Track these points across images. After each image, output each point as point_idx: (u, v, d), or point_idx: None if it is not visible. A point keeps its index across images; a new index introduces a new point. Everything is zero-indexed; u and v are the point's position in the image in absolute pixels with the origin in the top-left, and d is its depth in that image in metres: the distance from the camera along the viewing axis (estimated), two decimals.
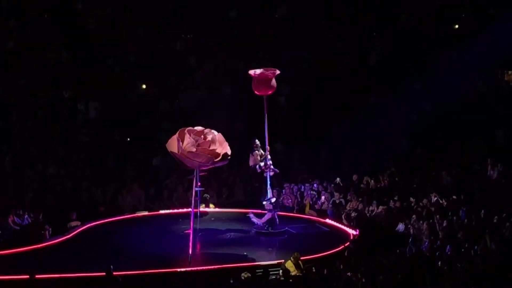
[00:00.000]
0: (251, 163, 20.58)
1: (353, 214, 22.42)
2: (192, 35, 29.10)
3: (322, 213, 23.29)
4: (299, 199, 24.58)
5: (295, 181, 25.47)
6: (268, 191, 20.82)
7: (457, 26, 29.42)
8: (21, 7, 27.51)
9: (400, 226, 20.85)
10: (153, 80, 28.63)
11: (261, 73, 19.99)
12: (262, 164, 20.36)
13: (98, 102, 27.20)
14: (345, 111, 27.09)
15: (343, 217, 22.44)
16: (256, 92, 20.28)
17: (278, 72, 20.04)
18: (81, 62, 27.63)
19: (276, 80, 20.12)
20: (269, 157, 20.49)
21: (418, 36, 28.19)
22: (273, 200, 20.85)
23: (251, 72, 20.10)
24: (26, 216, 21.61)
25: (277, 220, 20.79)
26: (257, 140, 20.47)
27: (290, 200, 24.47)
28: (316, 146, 26.91)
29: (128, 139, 27.23)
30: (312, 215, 23.10)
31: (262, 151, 20.46)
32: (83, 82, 27.41)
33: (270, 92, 20.29)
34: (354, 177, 25.28)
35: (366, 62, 28.87)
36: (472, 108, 26.61)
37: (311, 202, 24.02)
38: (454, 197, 21.99)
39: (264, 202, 20.77)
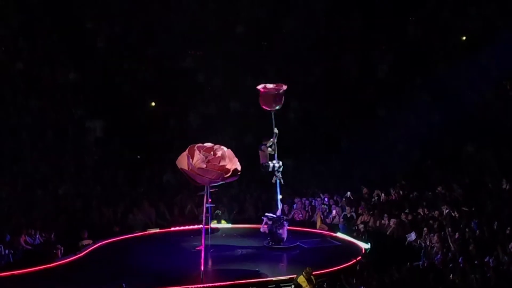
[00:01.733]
0: (262, 160, 20.55)
1: (363, 228, 22.39)
2: (200, 52, 29.13)
3: (333, 227, 23.26)
4: (310, 213, 24.57)
5: (306, 196, 25.47)
6: (279, 204, 20.88)
7: (464, 38, 29.36)
8: (30, 27, 27.55)
9: (412, 235, 20.83)
10: (162, 97, 28.71)
11: (269, 88, 20.06)
12: (275, 162, 20.38)
13: (107, 121, 27.25)
14: (354, 124, 27.09)
15: (354, 231, 22.43)
16: (264, 107, 20.34)
17: (285, 87, 20.10)
18: (90, 81, 27.70)
19: (284, 94, 20.19)
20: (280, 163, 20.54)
21: (426, 48, 28.15)
22: (278, 213, 20.96)
23: (259, 87, 20.17)
24: (37, 235, 21.66)
25: (286, 235, 20.81)
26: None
27: (301, 215, 24.47)
28: (326, 160, 26.91)
29: (138, 156, 27.29)
30: (323, 229, 23.07)
31: (270, 147, 20.45)
32: (92, 101, 27.46)
33: (277, 108, 20.35)
34: (364, 190, 25.27)
35: (374, 74, 28.84)
36: (481, 119, 26.58)
37: (322, 217, 24.00)
38: (466, 209, 21.94)
39: (264, 216, 20.95)
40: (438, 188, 24.05)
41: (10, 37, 27.66)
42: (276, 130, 20.34)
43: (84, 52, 27.71)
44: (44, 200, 24.25)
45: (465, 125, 26.32)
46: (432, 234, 20.23)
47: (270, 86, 20.16)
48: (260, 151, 20.51)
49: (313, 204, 24.91)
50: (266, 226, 20.89)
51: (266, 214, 21.26)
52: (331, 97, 28.18)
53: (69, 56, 27.68)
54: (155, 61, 28.29)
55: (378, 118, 27.50)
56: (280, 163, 20.57)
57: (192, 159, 18.22)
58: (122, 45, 28.08)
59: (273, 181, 20.77)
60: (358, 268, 18.38)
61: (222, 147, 18.81)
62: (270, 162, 20.36)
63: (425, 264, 18.65)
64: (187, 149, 18.42)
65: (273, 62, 27.85)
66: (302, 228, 23.00)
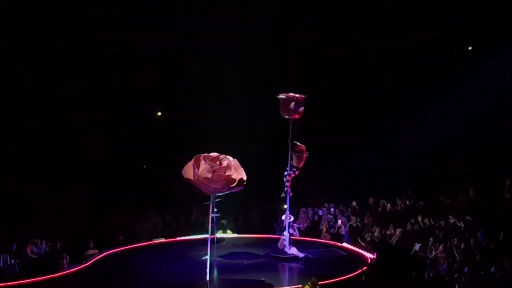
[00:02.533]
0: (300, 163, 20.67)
1: (370, 238, 22.40)
2: (206, 60, 29.07)
3: (339, 237, 23.27)
4: (316, 223, 24.62)
5: (311, 205, 25.49)
6: (286, 216, 20.92)
7: (470, 48, 29.30)
8: (36, 36, 27.46)
9: (417, 246, 20.83)
10: (168, 106, 28.74)
11: (291, 96, 20.22)
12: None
13: (113, 130, 27.27)
14: (360, 134, 27.11)
15: (360, 240, 22.44)
16: (283, 115, 20.46)
17: (305, 96, 20.31)
18: (96, 90, 27.69)
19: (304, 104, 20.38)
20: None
21: (432, 58, 28.06)
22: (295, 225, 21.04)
23: (281, 95, 20.32)
24: (43, 245, 21.72)
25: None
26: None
27: (306, 224, 24.49)
28: (332, 170, 26.90)
29: (144, 166, 27.33)
30: (325, 238, 23.10)
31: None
32: (98, 110, 27.46)
33: (297, 117, 20.49)
34: (371, 200, 25.28)
35: (380, 85, 28.81)
36: (488, 129, 26.56)
37: (327, 226, 24.02)
38: (471, 219, 21.93)
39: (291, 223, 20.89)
40: (443, 198, 24.09)
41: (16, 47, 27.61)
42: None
43: (89, 62, 27.68)
44: (50, 209, 24.31)
45: (470, 136, 26.33)
46: (437, 244, 20.23)
47: (291, 95, 20.30)
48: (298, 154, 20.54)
49: (318, 213, 24.94)
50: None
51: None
52: (337, 107, 28.15)
53: (75, 65, 27.61)
54: (161, 69, 28.23)
55: (384, 128, 27.47)
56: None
57: (198, 169, 18.25)
58: (128, 53, 28.02)
59: (283, 195, 20.79)
60: (363, 278, 18.39)
61: (228, 157, 18.84)
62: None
63: (431, 275, 18.66)
64: (193, 159, 18.45)
65: (280, 71, 27.81)
66: (305, 237, 23.08)
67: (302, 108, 20.37)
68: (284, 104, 20.30)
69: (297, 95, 20.22)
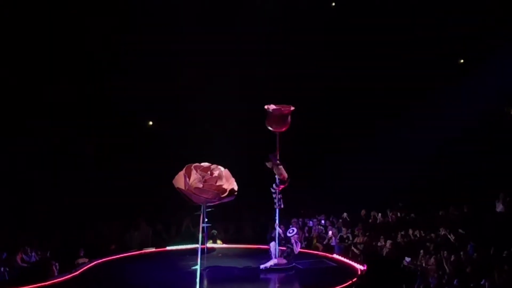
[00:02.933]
0: (283, 174, 20.27)
1: (360, 249, 22.40)
2: (198, 71, 29.05)
3: (329, 248, 23.26)
4: (307, 235, 24.58)
5: (304, 216, 25.50)
6: (276, 227, 20.80)
7: (462, 61, 29.39)
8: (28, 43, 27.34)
9: (407, 260, 20.84)
10: (160, 116, 28.76)
11: (276, 109, 19.92)
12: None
13: (104, 139, 27.27)
14: (350, 145, 27.14)
15: (350, 252, 22.44)
16: (270, 128, 20.17)
17: (293, 108, 19.97)
18: (87, 99, 27.68)
19: (291, 116, 20.13)
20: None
21: (424, 70, 28.09)
22: (295, 229, 20.79)
23: (266, 107, 20.01)
24: (33, 253, 21.69)
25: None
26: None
27: (297, 236, 24.45)
28: (324, 181, 26.93)
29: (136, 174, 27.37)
30: (318, 248, 23.08)
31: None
32: (89, 119, 27.45)
33: (284, 129, 20.21)
34: (362, 212, 25.30)
35: (371, 97, 28.80)
36: (479, 142, 26.63)
37: (317, 237, 24.02)
38: (462, 231, 21.98)
39: (291, 235, 20.64)
40: (434, 210, 24.16)
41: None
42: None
43: (82, 71, 27.66)
44: (40, 218, 24.29)
45: (462, 148, 26.40)
46: (428, 256, 20.26)
47: (277, 106, 19.98)
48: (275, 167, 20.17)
49: (308, 225, 24.93)
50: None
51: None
52: (327, 117, 28.18)
53: (66, 73, 27.54)
54: (152, 79, 28.21)
55: (374, 140, 27.53)
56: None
57: (189, 179, 18.23)
58: (120, 62, 28.00)
59: (277, 207, 20.56)
60: None
61: (219, 166, 18.82)
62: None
63: (421, 287, 18.66)
64: (184, 169, 18.43)
65: (273, 83, 27.80)
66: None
67: (288, 121, 20.02)
68: (270, 116, 20.05)
69: (284, 107, 19.90)
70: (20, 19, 26.16)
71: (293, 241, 20.10)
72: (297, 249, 20.08)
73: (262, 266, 19.75)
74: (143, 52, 27.27)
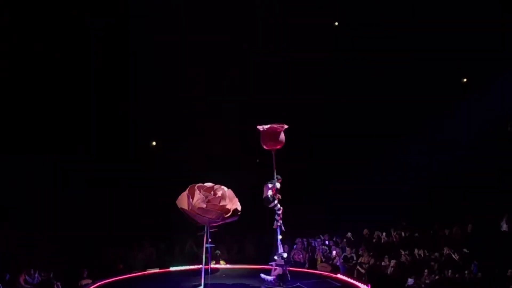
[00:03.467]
0: (265, 193, 20.19)
1: (364, 269, 22.35)
2: (200, 91, 29.09)
3: (334, 268, 23.19)
4: (311, 254, 24.52)
5: (306, 236, 25.44)
6: (279, 246, 20.72)
7: (465, 80, 29.37)
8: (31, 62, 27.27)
9: (410, 280, 20.76)
10: (163, 136, 28.79)
11: (269, 127, 19.90)
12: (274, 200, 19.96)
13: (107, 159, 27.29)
14: (354, 165, 27.13)
15: (355, 271, 22.38)
16: (264, 146, 20.15)
17: (286, 126, 19.96)
18: (90, 119, 27.72)
19: (285, 134, 20.07)
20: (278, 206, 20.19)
21: (425, 90, 28.06)
22: (285, 255, 20.66)
23: (260, 127, 20.02)
24: (36, 274, 21.67)
25: (288, 275, 20.64)
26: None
27: (301, 255, 24.42)
28: (326, 200, 26.90)
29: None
30: (325, 269, 22.98)
31: (276, 184, 20.09)
32: (92, 139, 27.48)
33: (278, 147, 20.16)
34: (365, 231, 25.24)
35: (375, 116, 28.81)
36: (483, 161, 26.61)
37: (322, 258, 23.95)
38: (466, 250, 21.93)
39: (276, 257, 20.56)
40: (438, 229, 24.11)
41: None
42: (278, 176, 20.08)
43: (85, 90, 27.68)
44: (44, 239, 24.27)
45: (466, 168, 26.38)
46: (432, 275, 20.21)
47: (270, 125, 19.95)
48: (265, 185, 20.10)
49: (313, 245, 24.88)
50: (276, 270, 20.49)
51: (275, 257, 20.84)
52: (330, 137, 28.19)
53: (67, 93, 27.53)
54: (157, 100, 28.26)
55: (378, 159, 27.53)
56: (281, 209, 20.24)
57: (192, 199, 18.19)
58: (124, 83, 28.07)
59: (274, 226, 20.49)
60: None
61: (223, 187, 18.77)
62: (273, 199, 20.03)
63: None
64: (188, 189, 18.40)
65: (274, 103, 27.83)
66: (302, 269, 22.96)
67: (282, 139, 19.94)
68: (263, 136, 20.01)
69: (277, 126, 19.86)
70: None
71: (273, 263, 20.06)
72: (273, 273, 19.91)
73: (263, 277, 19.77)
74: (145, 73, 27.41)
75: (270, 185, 19.45)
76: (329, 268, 23.07)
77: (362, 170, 27.10)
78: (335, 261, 23.87)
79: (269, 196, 19.42)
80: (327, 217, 26.66)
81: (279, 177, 19.63)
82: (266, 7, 28.08)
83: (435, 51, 27.57)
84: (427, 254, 22.42)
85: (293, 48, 28.39)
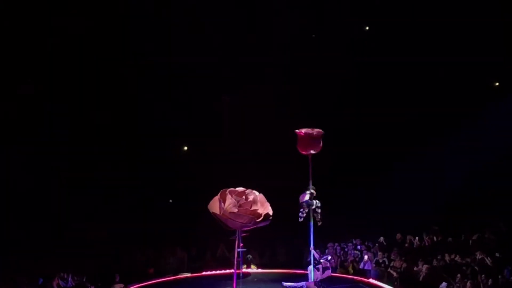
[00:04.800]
0: (301, 199, 20.11)
1: (396, 273, 22.27)
2: (232, 95, 29.17)
3: (365, 273, 23.13)
4: (343, 259, 24.48)
5: (338, 241, 25.40)
6: (311, 251, 20.71)
7: (497, 84, 29.13)
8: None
9: (443, 285, 20.65)
10: (192, 141, 28.90)
11: (306, 132, 19.88)
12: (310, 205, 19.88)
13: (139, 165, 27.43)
14: (383, 169, 27.07)
15: (386, 276, 22.30)
16: (301, 151, 20.12)
17: (322, 132, 19.93)
18: (120, 125, 27.87)
19: (321, 139, 20.05)
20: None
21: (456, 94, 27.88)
22: (329, 257, 20.60)
23: (298, 131, 20.00)
24: (69, 278, 21.83)
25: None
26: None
27: (333, 260, 24.37)
28: (359, 205, 26.84)
29: (170, 200, 27.40)
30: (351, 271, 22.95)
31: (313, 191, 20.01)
32: (121, 145, 27.62)
33: (315, 152, 20.12)
34: (398, 236, 25.15)
35: (404, 119, 28.65)
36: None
37: (355, 263, 23.91)
38: (499, 255, 21.78)
39: (322, 260, 20.45)
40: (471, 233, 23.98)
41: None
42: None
43: (114, 96, 27.80)
44: (76, 243, 24.46)
45: (497, 170, 26.21)
46: (465, 280, 20.08)
47: (308, 130, 19.94)
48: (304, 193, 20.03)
49: (345, 250, 24.84)
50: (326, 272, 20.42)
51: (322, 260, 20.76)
52: (360, 144, 28.16)
53: (99, 96, 27.66)
54: (186, 104, 28.36)
55: (408, 161, 27.42)
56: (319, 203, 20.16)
57: (224, 203, 18.21)
58: (152, 88, 28.18)
59: (300, 219, 20.34)
60: None
61: (254, 191, 18.77)
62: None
63: None
64: (219, 193, 18.42)
65: (304, 106, 27.84)
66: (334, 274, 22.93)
67: (320, 144, 19.96)
68: (301, 140, 20.02)
69: (314, 131, 19.84)
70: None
71: (320, 266, 19.94)
72: (322, 276, 19.81)
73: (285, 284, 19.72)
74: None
75: (307, 192, 19.45)
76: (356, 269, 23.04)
77: (393, 174, 27.00)
78: (366, 265, 23.79)
79: (308, 200, 19.43)
80: (358, 222, 26.59)
81: (314, 188, 19.59)
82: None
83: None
84: (460, 258, 22.29)
85: None
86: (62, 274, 21.85)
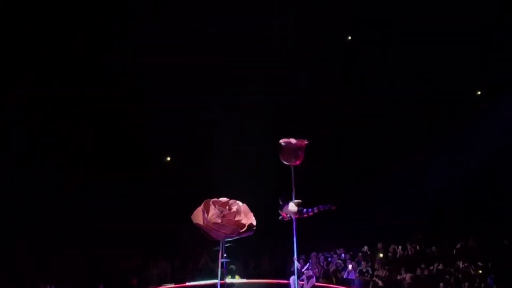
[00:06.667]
0: (288, 210, 20.03)
1: (380, 283, 22.31)
2: (216, 106, 29.09)
3: (349, 282, 23.15)
4: (326, 268, 24.49)
5: (321, 250, 25.42)
6: (295, 261, 20.70)
7: (479, 93, 29.25)
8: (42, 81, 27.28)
9: None
10: (177, 151, 28.85)
11: (291, 142, 19.88)
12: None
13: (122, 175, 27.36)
14: (369, 179, 27.11)
15: (370, 285, 22.34)
16: (284, 162, 20.13)
17: (306, 142, 19.93)
18: (105, 136, 27.80)
19: (305, 150, 20.04)
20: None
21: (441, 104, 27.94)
22: (308, 264, 20.61)
23: (281, 141, 19.99)
24: None
25: None
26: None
27: (316, 270, 24.37)
28: (342, 214, 26.87)
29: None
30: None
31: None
32: (107, 156, 27.55)
33: (298, 163, 20.13)
34: (379, 245, 25.21)
35: (391, 130, 28.71)
36: (499, 174, 26.55)
37: (337, 273, 23.93)
38: (482, 263, 21.86)
39: (304, 270, 20.44)
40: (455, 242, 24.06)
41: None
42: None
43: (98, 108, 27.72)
44: (59, 254, 24.36)
45: (481, 180, 26.31)
46: None
47: (291, 140, 19.94)
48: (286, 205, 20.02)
49: (328, 259, 24.86)
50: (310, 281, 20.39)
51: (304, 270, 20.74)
52: (344, 152, 28.21)
53: (85, 110, 27.62)
54: (170, 113, 28.28)
55: (394, 173, 27.49)
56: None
57: (207, 214, 18.19)
58: (136, 97, 28.11)
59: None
60: None
61: (237, 201, 18.73)
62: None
63: None
64: (202, 204, 18.39)
65: (289, 117, 27.86)
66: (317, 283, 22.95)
67: (302, 155, 19.95)
68: (284, 150, 19.99)
69: (298, 141, 19.84)
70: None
71: (304, 276, 19.96)
72: (307, 285, 19.87)
73: None
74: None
75: (294, 202, 19.46)
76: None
77: (376, 184, 27.05)
78: (350, 275, 23.81)
79: (297, 209, 19.45)
80: (343, 230, 26.61)
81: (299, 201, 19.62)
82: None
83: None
84: (443, 267, 22.36)
85: None
86: (45, 285, 21.73)
